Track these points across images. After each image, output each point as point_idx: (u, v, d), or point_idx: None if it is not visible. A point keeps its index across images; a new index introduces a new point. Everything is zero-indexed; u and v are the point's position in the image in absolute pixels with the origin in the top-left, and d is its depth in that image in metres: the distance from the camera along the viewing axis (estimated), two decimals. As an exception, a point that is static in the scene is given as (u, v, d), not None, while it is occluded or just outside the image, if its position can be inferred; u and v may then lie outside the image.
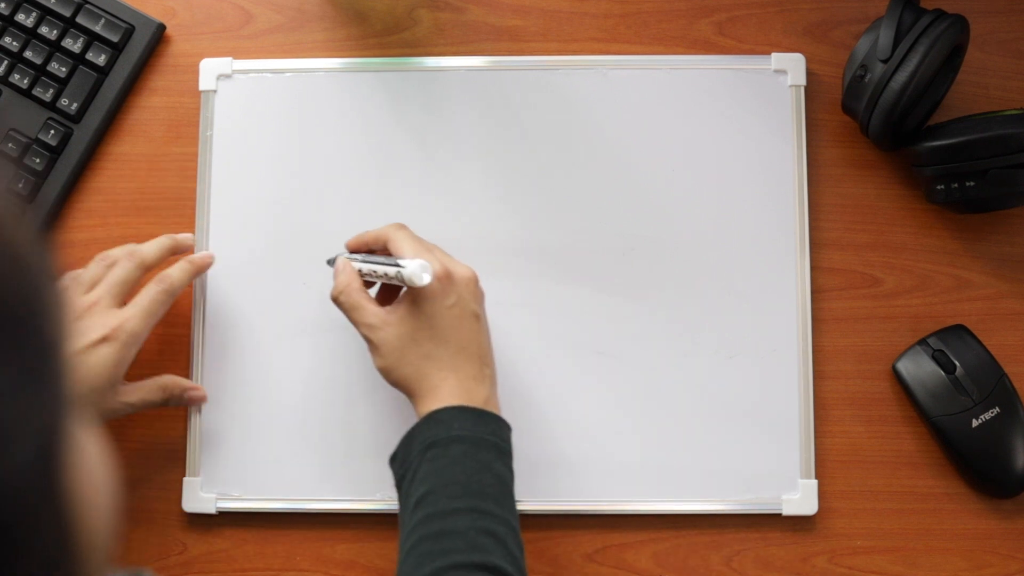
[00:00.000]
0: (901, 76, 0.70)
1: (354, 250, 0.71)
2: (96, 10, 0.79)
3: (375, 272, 0.67)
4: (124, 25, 0.79)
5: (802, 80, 0.77)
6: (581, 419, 0.75)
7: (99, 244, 0.78)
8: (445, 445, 0.62)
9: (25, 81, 0.78)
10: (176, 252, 0.74)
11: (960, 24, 0.71)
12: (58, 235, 0.79)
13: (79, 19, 0.79)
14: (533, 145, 0.77)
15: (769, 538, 0.74)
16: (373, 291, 0.71)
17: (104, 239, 0.78)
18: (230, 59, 0.79)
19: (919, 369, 0.74)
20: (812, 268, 0.76)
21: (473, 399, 0.65)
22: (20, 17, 0.79)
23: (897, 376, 0.75)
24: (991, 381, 0.73)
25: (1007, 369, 0.74)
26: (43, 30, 0.78)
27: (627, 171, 0.77)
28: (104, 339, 0.67)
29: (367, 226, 0.73)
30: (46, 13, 0.79)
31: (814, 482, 0.74)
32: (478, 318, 0.67)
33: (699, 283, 0.76)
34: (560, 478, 0.74)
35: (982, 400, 0.73)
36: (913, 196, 0.77)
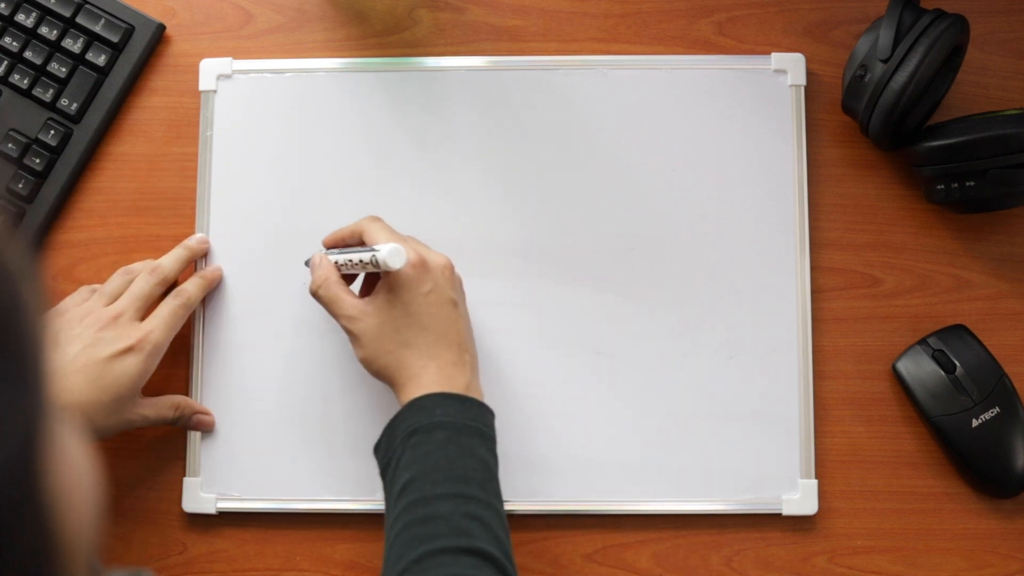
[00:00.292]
0: (901, 76, 0.70)
1: (331, 246, 0.72)
2: (96, 10, 0.79)
3: (351, 261, 0.68)
4: (124, 25, 0.79)
5: (802, 80, 0.77)
6: (581, 419, 0.75)
7: (99, 244, 0.78)
8: (428, 431, 0.63)
9: (25, 81, 0.78)
10: (192, 261, 0.76)
11: (960, 24, 0.71)
12: (56, 236, 0.79)
13: (79, 19, 0.79)
14: (533, 145, 0.77)
15: (769, 538, 0.74)
16: (356, 287, 0.72)
17: (104, 239, 0.78)
18: (230, 59, 0.79)
19: (919, 369, 0.74)
20: (812, 268, 0.76)
21: (454, 385, 0.65)
22: (20, 17, 0.79)
23: (897, 376, 0.75)
24: (991, 381, 0.73)
25: (1007, 369, 0.74)
26: (43, 30, 0.78)
27: (627, 171, 0.77)
28: (130, 349, 0.69)
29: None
30: (46, 13, 0.79)
31: (814, 482, 0.74)
32: (455, 305, 0.68)
33: (699, 283, 0.76)
34: (560, 478, 0.74)
35: (982, 400, 0.73)
36: (913, 196, 0.77)
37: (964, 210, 0.75)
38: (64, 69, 0.78)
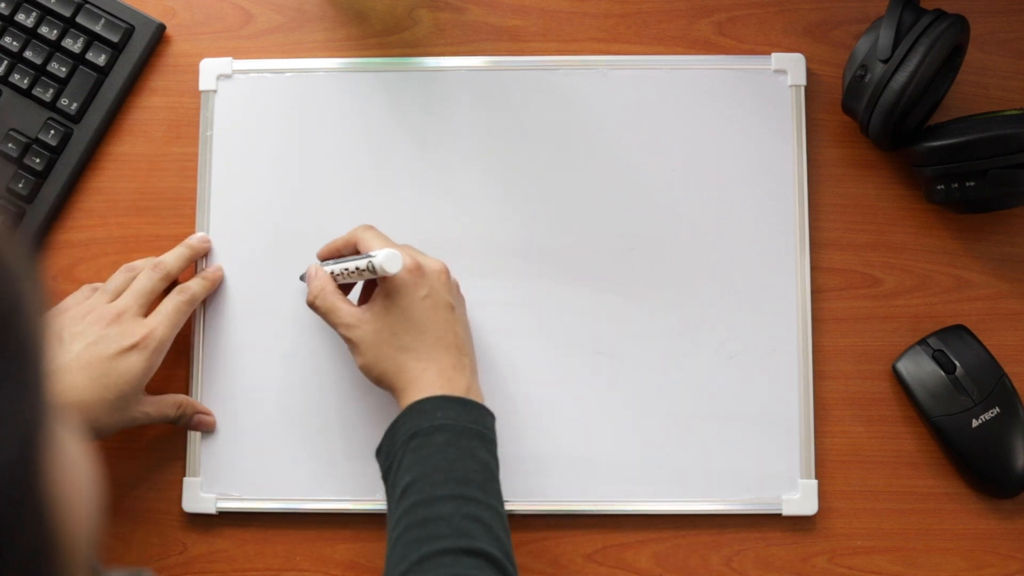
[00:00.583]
0: (901, 76, 0.70)
1: (325, 257, 0.73)
2: (96, 10, 0.79)
3: (347, 270, 0.68)
4: (124, 25, 0.79)
5: (802, 80, 0.77)
6: (581, 419, 0.75)
7: (99, 244, 0.78)
8: (428, 434, 0.63)
9: (25, 81, 0.78)
10: (194, 259, 0.76)
11: (960, 24, 0.71)
12: (56, 236, 0.79)
13: (79, 19, 0.79)
14: (533, 145, 0.77)
15: (769, 538, 0.74)
16: (354, 297, 0.72)
17: (104, 239, 0.78)
18: (230, 59, 0.79)
19: (919, 369, 0.74)
20: (812, 268, 0.76)
21: (454, 388, 0.65)
22: (20, 17, 0.79)
23: (897, 376, 0.75)
24: (991, 381, 0.73)
25: (1007, 369, 0.74)
26: (43, 30, 0.78)
27: (627, 171, 0.77)
28: (134, 346, 0.69)
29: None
30: (46, 13, 0.79)
31: (814, 482, 0.74)
32: (452, 308, 0.68)
33: (699, 283, 0.76)
34: (560, 478, 0.74)
35: (982, 400, 0.73)
36: (913, 196, 0.77)
37: (964, 210, 0.75)
38: (64, 69, 0.78)
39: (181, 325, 0.73)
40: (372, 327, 0.67)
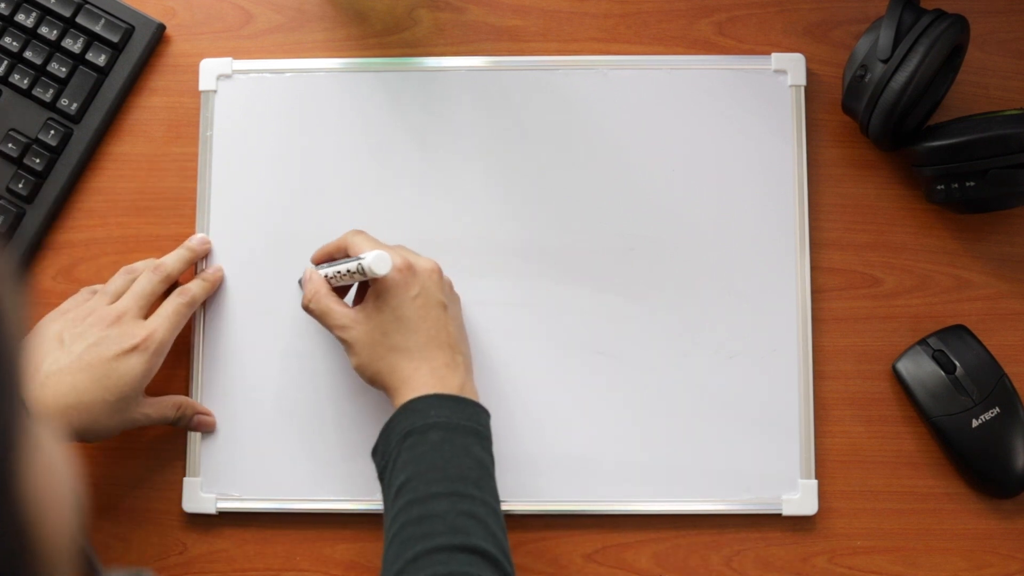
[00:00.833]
0: (901, 76, 0.70)
1: (319, 261, 0.73)
2: (96, 10, 0.79)
3: (339, 272, 0.69)
4: (124, 25, 0.79)
5: (802, 80, 0.77)
6: (581, 419, 0.75)
7: (99, 244, 0.78)
8: (423, 432, 0.63)
9: (25, 81, 0.78)
10: (194, 261, 0.76)
11: (960, 24, 0.71)
12: (56, 236, 0.79)
13: (79, 19, 0.79)
14: (533, 145, 0.77)
15: (769, 538, 0.74)
16: (351, 301, 0.72)
17: (104, 239, 0.78)
18: (230, 59, 0.79)
19: (919, 369, 0.74)
20: (812, 268, 0.76)
21: (448, 386, 0.65)
22: (20, 17, 0.79)
23: (897, 376, 0.75)
24: (991, 381, 0.73)
25: (1007, 369, 0.74)
26: (43, 30, 0.78)
27: (627, 171, 0.77)
28: (135, 348, 0.69)
29: (367, 226, 0.73)
30: (46, 13, 0.79)
31: (814, 482, 0.74)
32: (445, 307, 0.68)
33: (699, 283, 0.76)
34: (560, 478, 0.74)
35: (982, 400, 0.73)
36: (913, 196, 0.77)
37: (964, 210, 0.75)
38: (64, 69, 0.78)
39: (181, 327, 0.73)
40: (365, 328, 0.67)
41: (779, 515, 0.74)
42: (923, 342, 0.74)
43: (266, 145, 0.78)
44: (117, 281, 0.73)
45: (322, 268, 0.71)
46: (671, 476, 0.74)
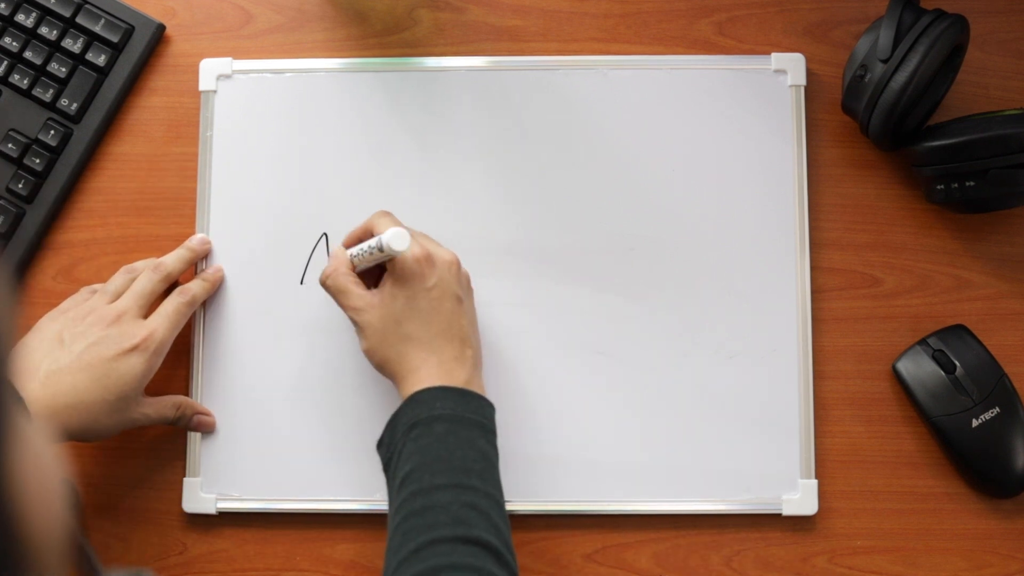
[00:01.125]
0: (901, 76, 0.70)
1: (348, 246, 0.73)
2: (96, 10, 0.79)
3: (361, 252, 0.68)
4: (124, 25, 0.79)
5: (802, 80, 0.77)
6: (581, 419, 0.75)
7: (99, 244, 0.78)
8: (428, 424, 0.63)
9: (25, 81, 0.78)
10: (194, 261, 0.76)
11: (960, 24, 0.71)
12: (56, 236, 0.79)
13: (79, 19, 0.79)
14: (533, 145, 0.77)
15: (769, 538, 0.74)
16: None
17: (104, 239, 0.78)
18: (230, 59, 0.79)
19: (919, 369, 0.74)
20: (812, 268, 0.76)
21: (454, 379, 0.65)
22: (20, 17, 0.79)
23: (897, 376, 0.75)
24: (991, 381, 0.73)
25: (1007, 369, 0.74)
26: (43, 30, 0.78)
27: (627, 171, 0.77)
28: (135, 348, 0.69)
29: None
30: (46, 13, 0.79)
31: (814, 482, 0.74)
32: (460, 300, 0.68)
33: (699, 283, 0.76)
34: (560, 478, 0.74)
35: (982, 400, 0.73)
36: (913, 196, 0.77)
37: (964, 210, 0.75)
38: (64, 69, 0.78)
39: (181, 326, 0.73)
40: (378, 313, 0.67)
41: (779, 515, 0.74)
42: (923, 342, 0.74)
43: (266, 145, 0.78)
44: (117, 280, 0.73)
45: (350, 250, 0.71)
46: (671, 476, 0.74)
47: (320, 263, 0.76)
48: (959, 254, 0.77)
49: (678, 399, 0.75)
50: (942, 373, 0.73)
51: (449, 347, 0.66)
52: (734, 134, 0.77)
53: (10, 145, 0.78)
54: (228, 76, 0.79)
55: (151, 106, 0.80)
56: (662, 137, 0.77)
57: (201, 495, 0.75)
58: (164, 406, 0.73)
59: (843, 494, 0.75)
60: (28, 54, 0.78)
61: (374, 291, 0.68)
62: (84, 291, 0.74)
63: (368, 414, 0.75)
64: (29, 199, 0.78)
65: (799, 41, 0.79)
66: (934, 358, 0.74)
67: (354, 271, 0.70)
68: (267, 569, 0.75)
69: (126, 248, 0.78)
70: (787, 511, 0.74)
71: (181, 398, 0.74)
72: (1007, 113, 0.71)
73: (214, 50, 0.80)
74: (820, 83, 0.78)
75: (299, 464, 0.75)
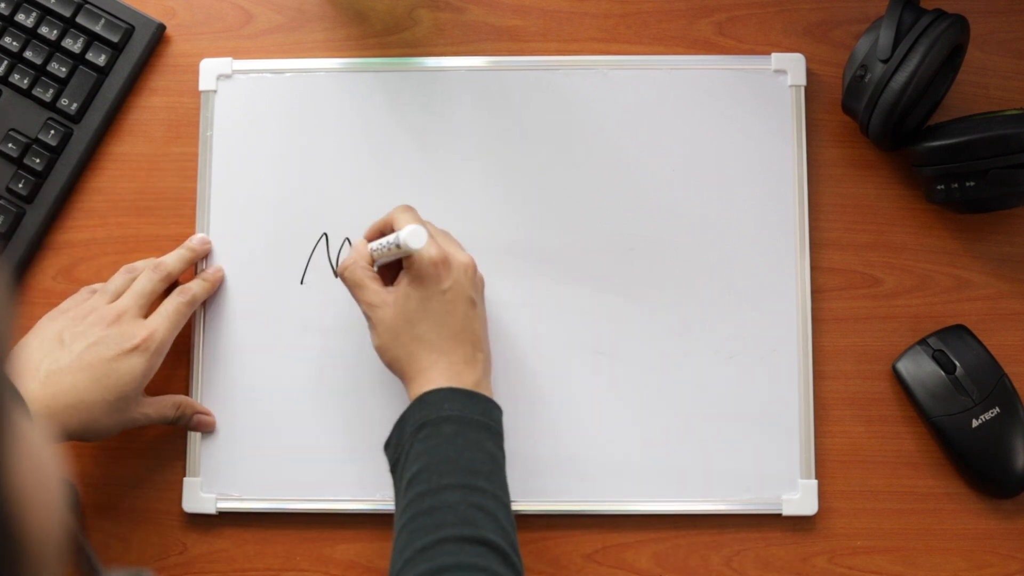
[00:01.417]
0: (901, 76, 0.70)
1: (370, 239, 0.72)
2: (96, 10, 0.79)
3: (380, 247, 0.68)
4: (124, 25, 0.79)
5: (802, 80, 0.77)
6: (581, 419, 0.75)
7: (99, 244, 0.78)
8: (436, 424, 0.63)
9: (25, 81, 0.78)
10: (194, 261, 0.76)
11: (960, 24, 0.71)
12: (56, 236, 0.79)
13: (79, 19, 0.79)
14: (533, 145, 0.77)
15: (769, 538, 0.74)
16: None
17: (104, 239, 0.78)
18: (230, 59, 0.79)
19: (919, 369, 0.74)
20: (812, 268, 0.76)
21: (463, 382, 0.65)
22: (20, 17, 0.79)
23: (897, 376, 0.75)
24: (991, 381, 0.73)
25: (1007, 369, 0.74)
26: (43, 30, 0.78)
27: (627, 171, 0.77)
28: (135, 348, 0.69)
29: (367, 226, 0.73)
30: (46, 13, 0.79)
31: (814, 482, 0.74)
32: (474, 304, 0.68)
33: (699, 283, 0.76)
34: (560, 478, 0.74)
35: (982, 400, 0.73)
36: (913, 196, 0.77)
37: (964, 210, 0.75)
38: (64, 69, 0.78)
39: (181, 326, 0.73)
40: (392, 311, 0.67)
41: (779, 515, 0.74)
42: (923, 342, 0.74)
43: (266, 145, 0.78)
44: (117, 280, 0.73)
45: (370, 244, 0.71)
46: (671, 476, 0.74)
47: (320, 263, 0.77)
48: (959, 254, 0.77)
49: (678, 399, 0.75)
50: (942, 373, 0.73)
51: (460, 350, 0.66)
52: (734, 134, 0.77)
53: (10, 145, 0.78)
54: (228, 76, 0.79)
55: (151, 106, 0.80)
56: (662, 137, 0.77)
57: (201, 495, 0.75)
58: (164, 406, 0.72)
59: (843, 494, 0.75)
60: (28, 54, 0.78)
61: (390, 288, 0.68)
62: (84, 291, 0.74)
63: (369, 414, 0.75)
64: (29, 199, 0.78)
65: (799, 41, 0.79)
66: (934, 358, 0.74)
67: (373, 265, 0.70)
68: (267, 569, 0.75)
69: (126, 248, 0.78)
70: (787, 511, 0.74)
71: (181, 398, 0.74)
72: (1007, 113, 0.71)
73: (214, 50, 0.80)
74: (820, 83, 0.78)
75: (299, 464, 0.75)
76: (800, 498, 0.74)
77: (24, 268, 0.78)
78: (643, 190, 0.77)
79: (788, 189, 0.76)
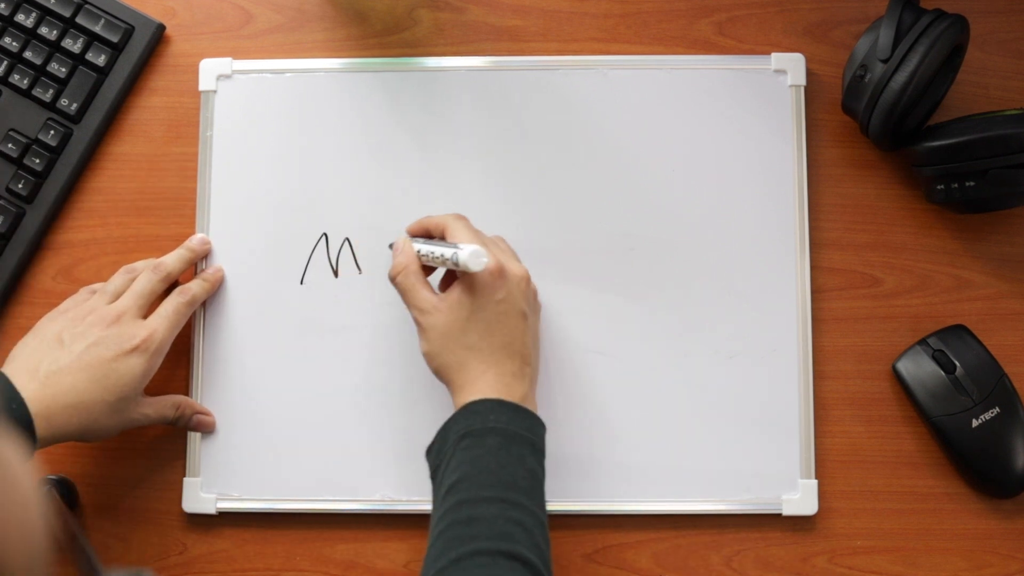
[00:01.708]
0: (901, 76, 0.70)
1: (414, 235, 0.72)
2: (96, 10, 0.79)
3: (432, 254, 0.68)
4: (124, 25, 0.79)
5: (802, 80, 0.77)
6: (581, 419, 0.75)
7: (99, 244, 0.78)
8: (480, 435, 0.63)
9: (25, 81, 0.78)
10: (194, 262, 0.76)
11: (960, 24, 0.71)
12: (56, 236, 0.79)
13: (79, 19, 0.79)
14: (533, 145, 0.77)
15: (769, 538, 0.74)
16: (435, 280, 0.71)
17: (104, 239, 0.78)
18: (230, 59, 0.79)
19: (919, 369, 0.74)
20: (812, 268, 0.76)
21: (511, 394, 0.65)
22: (20, 17, 0.79)
23: (897, 376, 0.75)
24: (991, 381, 0.73)
25: (1007, 369, 0.74)
26: (43, 30, 0.78)
27: (627, 171, 0.77)
28: (135, 349, 0.69)
29: (367, 226, 0.73)
30: (46, 13, 0.79)
31: (814, 482, 0.74)
32: (525, 317, 0.67)
33: (699, 283, 0.76)
34: (560, 478, 0.74)
35: (982, 400, 0.73)
36: (913, 196, 0.77)
37: (964, 210, 0.75)
38: (64, 69, 0.78)
39: (181, 326, 0.73)
40: (444, 318, 0.66)
41: (779, 515, 0.74)
42: (923, 342, 0.74)
43: (266, 145, 0.78)
44: (117, 280, 0.73)
45: (416, 243, 0.70)
46: (671, 476, 0.74)
47: (320, 263, 0.76)
48: (959, 254, 0.77)
49: (678, 399, 0.75)
50: (942, 373, 0.73)
51: (509, 362, 0.66)
52: (734, 134, 0.77)
53: (10, 145, 0.78)
54: (228, 76, 0.79)
55: (151, 106, 0.80)
56: (662, 137, 0.77)
57: (201, 495, 0.75)
58: (164, 406, 0.72)
59: (843, 494, 0.75)
60: (28, 54, 0.78)
61: (441, 295, 0.68)
62: (84, 291, 0.74)
63: (368, 414, 0.75)
64: (29, 199, 0.78)
65: (799, 41, 0.79)
66: (934, 358, 0.74)
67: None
68: (267, 569, 0.75)
69: (126, 248, 0.78)
70: (787, 511, 0.74)
71: (181, 398, 0.74)
72: (1007, 113, 0.71)
73: (214, 50, 0.80)
74: (820, 83, 0.78)
75: (299, 464, 0.75)
76: (800, 498, 0.74)
77: (24, 268, 0.78)
78: (643, 190, 0.77)
79: (788, 189, 0.76)
